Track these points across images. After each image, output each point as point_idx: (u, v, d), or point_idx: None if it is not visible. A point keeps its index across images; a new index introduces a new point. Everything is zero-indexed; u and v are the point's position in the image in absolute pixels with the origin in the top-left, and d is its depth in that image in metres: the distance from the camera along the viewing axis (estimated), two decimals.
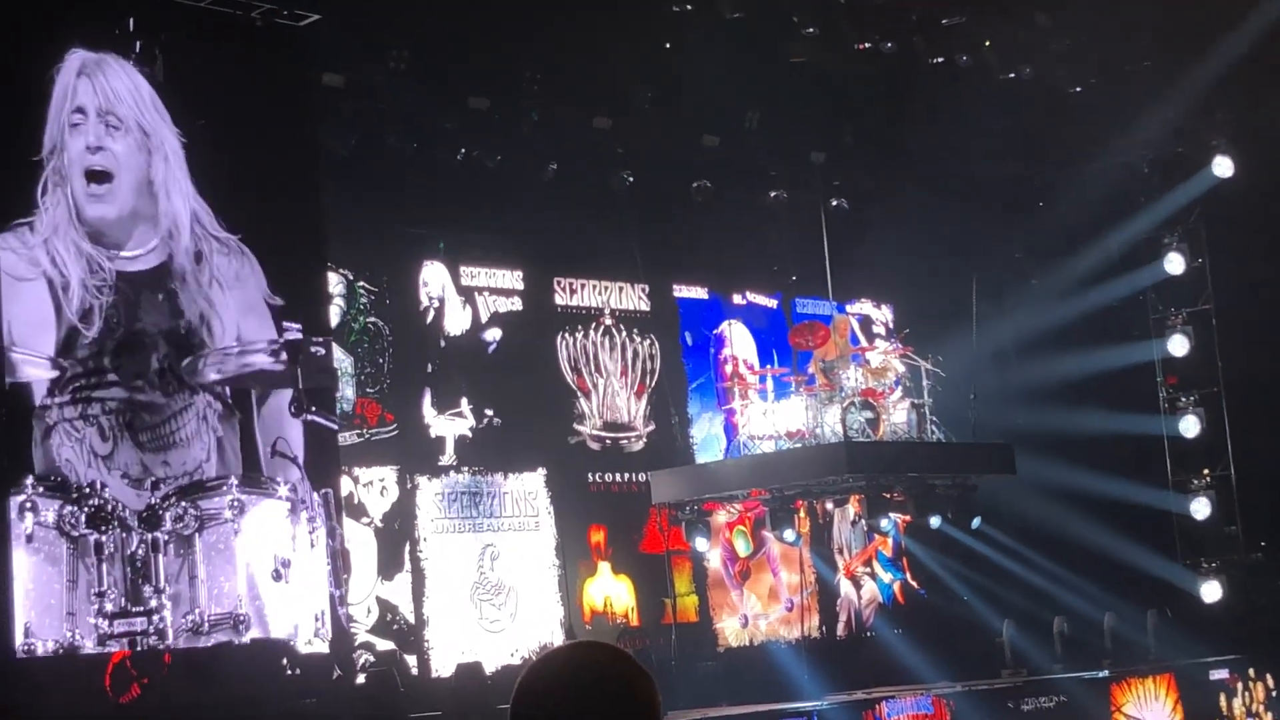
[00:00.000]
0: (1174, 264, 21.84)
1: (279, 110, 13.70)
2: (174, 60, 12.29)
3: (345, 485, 16.32)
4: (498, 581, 18.63)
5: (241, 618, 10.41)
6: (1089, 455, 21.21)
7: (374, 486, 17.78)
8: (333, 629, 11.16)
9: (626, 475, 20.15)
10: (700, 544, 19.10)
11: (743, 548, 20.82)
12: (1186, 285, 21.97)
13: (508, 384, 19.10)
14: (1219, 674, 19.06)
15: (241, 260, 11.93)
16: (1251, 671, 19.19)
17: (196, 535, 9.90)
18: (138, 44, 12.25)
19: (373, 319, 18.20)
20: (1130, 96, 20.71)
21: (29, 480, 9.32)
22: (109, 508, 9.52)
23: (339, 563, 11.01)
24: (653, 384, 20.73)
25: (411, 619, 17.79)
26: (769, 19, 18.40)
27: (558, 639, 18.49)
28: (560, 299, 20.11)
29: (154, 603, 9.76)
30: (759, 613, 21.00)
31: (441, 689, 16.95)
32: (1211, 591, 21.44)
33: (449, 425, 18.61)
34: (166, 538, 9.79)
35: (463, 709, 15.76)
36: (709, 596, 20.62)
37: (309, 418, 11.09)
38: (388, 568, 17.70)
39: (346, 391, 17.42)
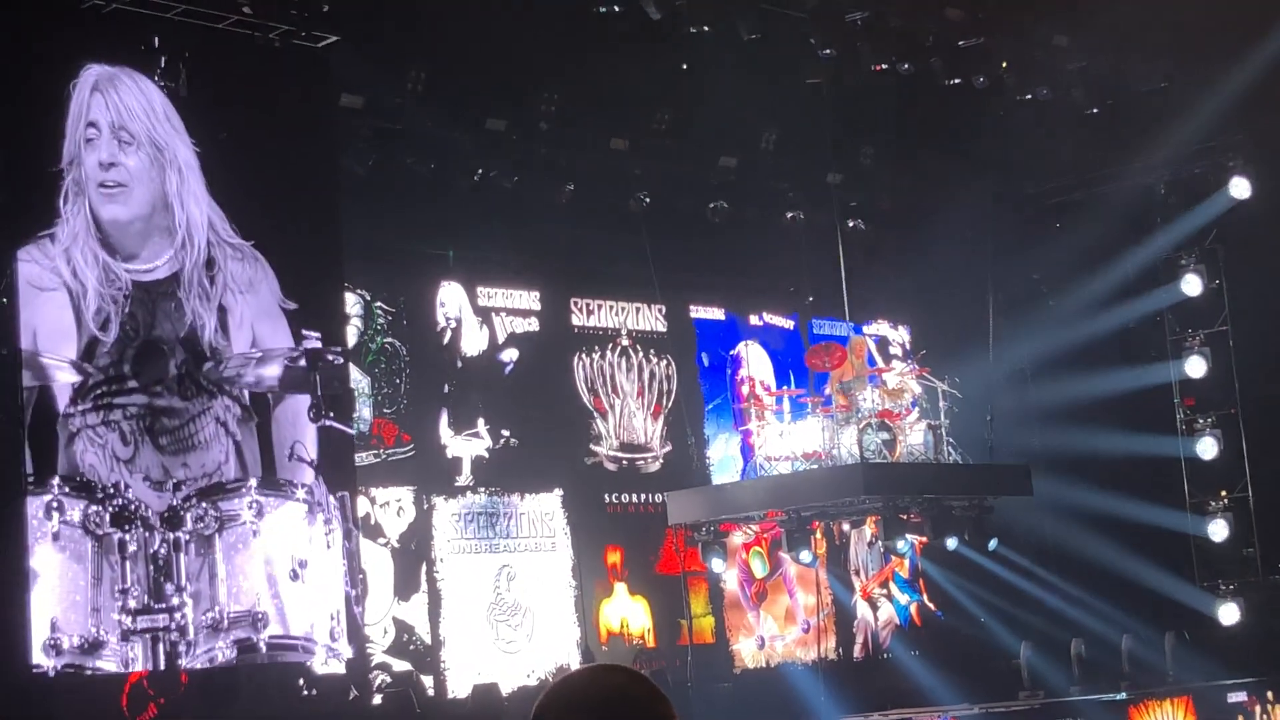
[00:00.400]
0: (1191, 285, 21.78)
1: (298, 126, 13.85)
2: (196, 77, 12.56)
3: (362, 506, 16.34)
4: (514, 602, 18.62)
5: (260, 615, 10.74)
6: (1106, 477, 21.17)
7: (390, 507, 17.78)
8: (348, 628, 11.52)
9: (643, 496, 20.15)
10: (716, 565, 19.07)
11: (759, 569, 20.78)
12: (1204, 306, 21.90)
13: (524, 405, 19.12)
14: (1237, 696, 18.97)
15: (255, 266, 12.17)
16: (1270, 694, 19.09)
17: (217, 535, 10.28)
18: (162, 60, 12.48)
19: (390, 339, 18.23)
20: (1147, 117, 20.70)
21: (55, 480, 9.68)
22: (132, 508, 9.89)
23: (355, 563, 11.32)
24: (669, 405, 20.72)
25: (428, 640, 17.78)
26: (786, 41, 18.41)
27: (574, 660, 18.48)
28: (577, 319, 20.13)
29: (175, 600, 10.09)
30: (775, 634, 20.96)
31: (458, 710, 16.96)
32: (1229, 614, 21.35)
33: (466, 446, 18.62)
34: (187, 537, 10.18)
35: None
36: (725, 618, 20.59)
37: (326, 423, 11.33)
38: (404, 588, 17.70)
39: (363, 412, 17.44)
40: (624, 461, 20.23)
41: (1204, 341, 21.87)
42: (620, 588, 19.72)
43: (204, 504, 10.28)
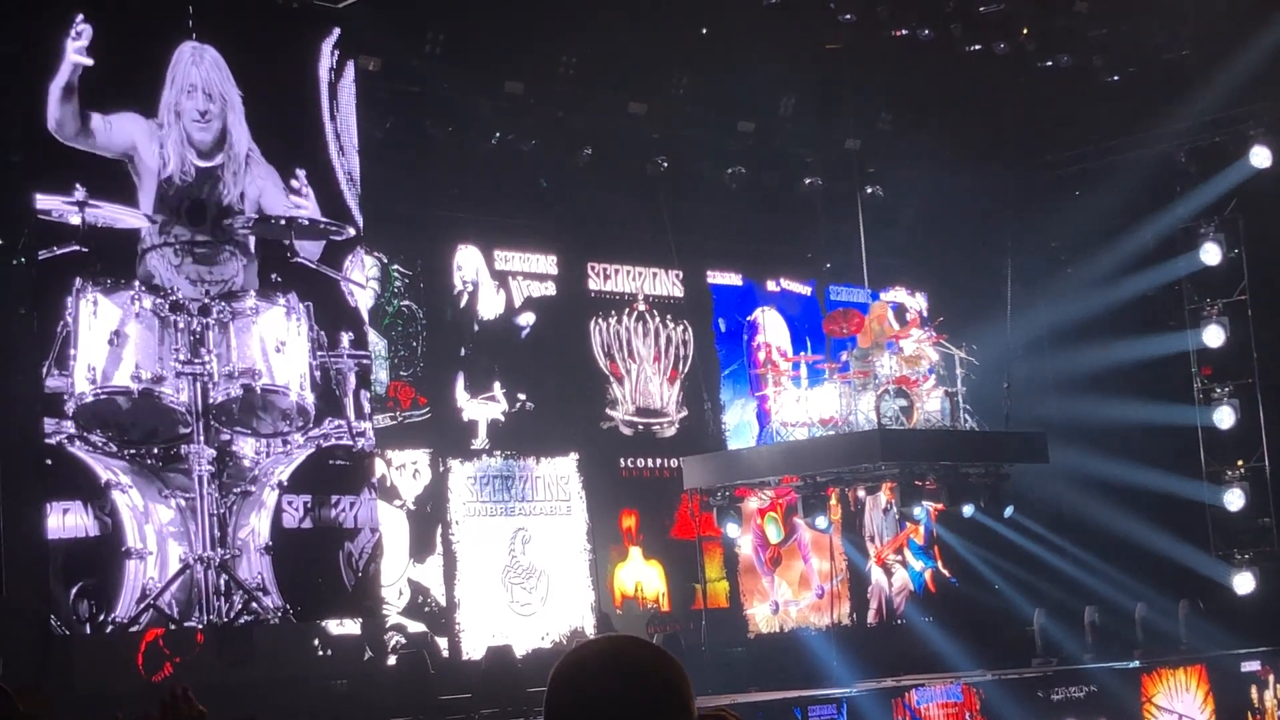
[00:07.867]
0: (1210, 254, 21.71)
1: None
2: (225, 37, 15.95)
3: (378, 468, 16.45)
4: (529, 565, 18.68)
5: (257, 371, 15.31)
6: (1123, 445, 21.15)
7: (407, 469, 17.85)
8: (310, 384, 15.64)
9: (658, 461, 20.18)
10: (731, 530, 19.11)
11: (774, 534, 20.81)
12: (1223, 275, 21.84)
13: (541, 368, 19.15)
14: (1250, 665, 18.99)
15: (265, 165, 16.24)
16: None
17: (231, 322, 15.25)
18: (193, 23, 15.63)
19: (407, 302, 18.26)
20: (1168, 85, 20.61)
21: (136, 283, 14.81)
22: (181, 303, 15.06)
23: (315, 346, 15.64)
24: (685, 370, 20.74)
25: (443, 601, 17.86)
26: (806, 5, 18.37)
27: (588, 623, 18.55)
28: (594, 284, 20.13)
29: (206, 358, 15.09)
30: (790, 599, 21.01)
31: (472, 671, 17.02)
32: (1244, 583, 21.36)
33: (482, 409, 18.66)
34: (213, 322, 15.20)
35: (493, 691, 15.83)
36: (740, 582, 20.63)
37: (297, 260, 15.66)
38: (420, 550, 17.77)
39: (380, 374, 17.49)
40: (640, 426, 20.26)
41: (1222, 311, 21.81)
42: (635, 552, 19.78)
43: (223, 303, 15.26)
